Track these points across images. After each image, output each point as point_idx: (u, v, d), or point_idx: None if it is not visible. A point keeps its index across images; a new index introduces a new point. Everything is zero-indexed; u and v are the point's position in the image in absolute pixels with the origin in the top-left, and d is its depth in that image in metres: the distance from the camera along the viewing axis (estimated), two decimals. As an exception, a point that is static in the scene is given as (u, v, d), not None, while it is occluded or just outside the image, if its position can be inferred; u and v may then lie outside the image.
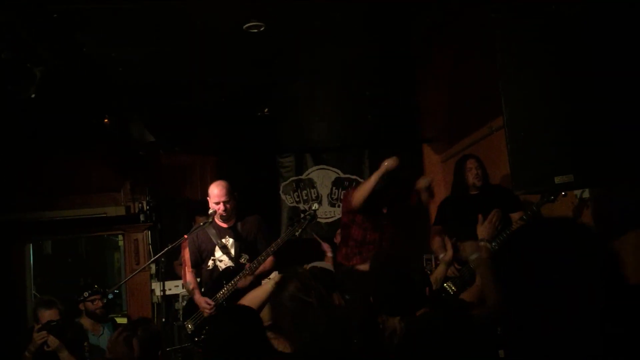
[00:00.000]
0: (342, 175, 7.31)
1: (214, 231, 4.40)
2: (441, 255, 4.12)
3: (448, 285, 4.14)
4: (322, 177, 7.30)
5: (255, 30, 3.19)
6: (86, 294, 4.64)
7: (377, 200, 4.38)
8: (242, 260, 4.36)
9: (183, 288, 5.02)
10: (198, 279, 4.49)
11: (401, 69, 4.27)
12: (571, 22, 2.76)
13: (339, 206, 7.23)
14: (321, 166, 7.33)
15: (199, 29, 3.23)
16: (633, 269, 3.49)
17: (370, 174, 7.08)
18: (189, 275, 4.41)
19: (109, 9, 2.93)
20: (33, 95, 3.23)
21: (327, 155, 7.30)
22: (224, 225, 4.43)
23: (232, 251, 4.37)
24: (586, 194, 3.78)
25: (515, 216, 4.09)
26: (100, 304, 4.82)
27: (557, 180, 2.79)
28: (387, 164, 4.26)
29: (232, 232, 4.42)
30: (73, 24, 3.09)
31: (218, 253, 4.39)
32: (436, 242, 4.48)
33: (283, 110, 5.23)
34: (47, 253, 8.64)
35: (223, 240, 4.40)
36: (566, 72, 2.76)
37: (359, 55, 3.85)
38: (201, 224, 4.41)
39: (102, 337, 4.76)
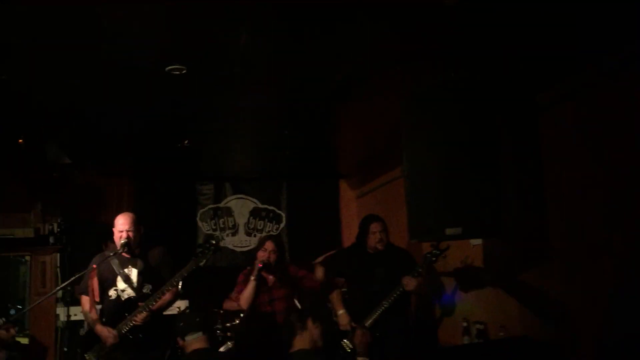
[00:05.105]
0: (259, 205, 7.46)
1: (117, 261, 4.35)
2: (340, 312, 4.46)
3: (345, 343, 4.33)
4: (240, 206, 7.42)
5: (177, 73, 3.31)
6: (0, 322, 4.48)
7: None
8: (145, 290, 4.33)
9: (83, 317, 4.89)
10: (99, 307, 4.43)
11: (319, 109, 4.47)
12: (463, 91, 3.08)
13: (254, 235, 7.36)
14: (240, 195, 7.44)
15: (121, 67, 3.31)
16: (517, 309, 3.84)
17: (287, 205, 7.38)
18: (91, 305, 4.34)
19: (31, 38, 2.96)
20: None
21: (246, 185, 7.44)
22: (128, 255, 4.41)
23: (135, 281, 4.34)
24: (478, 241, 4.13)
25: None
26: (13, 332, 4.71)
27: (448, 231, 3.08)
28: (260, 257, 4.39)
29: (136, 262, 4.39)
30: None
31: (120, 284, 4.34)
32: (335, 296, 4.62)
33: (203, 141, 5.32)
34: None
35: (126, 271, 4.34)
36: (459, 137, 3.06)
37: (278, 97, 4.03)
38: (111, 254, 4.38)
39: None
